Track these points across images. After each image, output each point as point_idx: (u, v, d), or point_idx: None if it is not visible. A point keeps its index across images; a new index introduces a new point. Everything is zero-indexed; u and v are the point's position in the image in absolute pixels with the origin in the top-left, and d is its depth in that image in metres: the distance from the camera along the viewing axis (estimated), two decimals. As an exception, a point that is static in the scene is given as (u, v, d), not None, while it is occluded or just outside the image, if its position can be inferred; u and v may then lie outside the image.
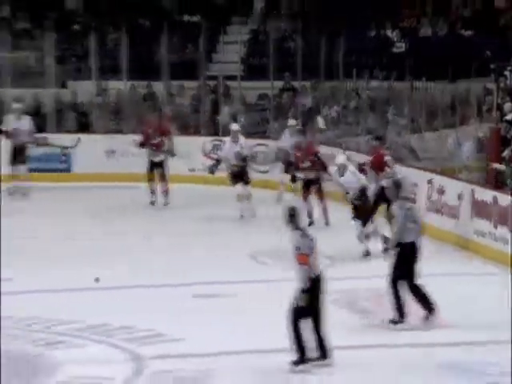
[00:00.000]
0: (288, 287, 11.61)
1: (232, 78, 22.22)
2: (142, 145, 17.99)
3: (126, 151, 19.65)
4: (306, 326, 9.10)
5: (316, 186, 15.95)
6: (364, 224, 13.97)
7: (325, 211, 15.84)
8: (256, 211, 16.52)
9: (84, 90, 22.26)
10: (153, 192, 17.77)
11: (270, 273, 13.27)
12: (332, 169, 14.66)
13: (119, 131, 21.11)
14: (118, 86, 22.10)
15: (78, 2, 24.37)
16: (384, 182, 13.79)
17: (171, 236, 15.36)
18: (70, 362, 9.49)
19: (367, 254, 13.93)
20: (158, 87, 22.32)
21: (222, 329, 10.47)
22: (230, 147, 16.66)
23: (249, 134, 20.06)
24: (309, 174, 16.01)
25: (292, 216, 9.39)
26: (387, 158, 14.80)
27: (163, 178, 17.81)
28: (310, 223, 14.86)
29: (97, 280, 11.64)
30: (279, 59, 21.74)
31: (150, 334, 10.33)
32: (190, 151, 19.97)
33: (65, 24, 23.47)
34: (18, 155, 18.61)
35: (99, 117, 21.85)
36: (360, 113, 20.64)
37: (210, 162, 18.16)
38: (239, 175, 16.32)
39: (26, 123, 18.81)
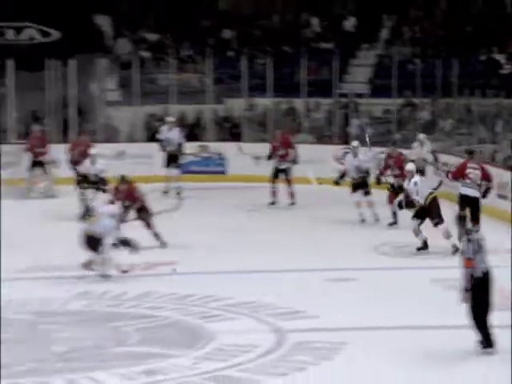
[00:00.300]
0: (411, 275, 11.78)
1: (360, 95, 22.26)
2: (269, 157, 17.97)
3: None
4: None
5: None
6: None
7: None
8: (379, 216, 15.80)
9: (236, 105, 22.53)
10: (274, 194, 17.65)
11: (391, 261, 13.24)
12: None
13: (264, 140, 21.32)
14: (264, 102, 22.30)
15: (233, 32, 24.64)
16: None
17: (302, 231, 15.34)
18: (224, 333, 9.68)
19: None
20: (298, 103, 22.43)
21: (352, 308, 10.52)
22: (351, 161, 16.28)
23: (374, 143, 20.20)
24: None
25: (461, 220, 9.34)
26: (468, 171, 14.15)
27: (289, 182, 17.68)
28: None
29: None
30: (401, 79, 21.66)
31: (290, 311, 10.43)
32: (324, 157, 20.03)
33: (221, 51, 23.79)
34: (172, 161, 18.84)
35: (248, 128, 22.08)
36: (471, 126, 20.48)
37: (340, 167, 18.05)
38: (360, 186, 15.81)
39: (175, 134, 18.92)
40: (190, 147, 20.46)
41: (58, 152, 18.66)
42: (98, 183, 16.13)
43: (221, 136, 22.15)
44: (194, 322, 10.08)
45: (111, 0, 25.15)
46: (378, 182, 16.03)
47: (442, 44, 23.59)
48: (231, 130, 22.18)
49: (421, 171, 15.54)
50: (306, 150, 18.71)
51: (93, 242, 11.78)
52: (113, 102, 22.49)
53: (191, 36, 24.54)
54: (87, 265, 11.87)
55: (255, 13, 25.57)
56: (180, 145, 18.91)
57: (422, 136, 18.18)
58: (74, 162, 17.30)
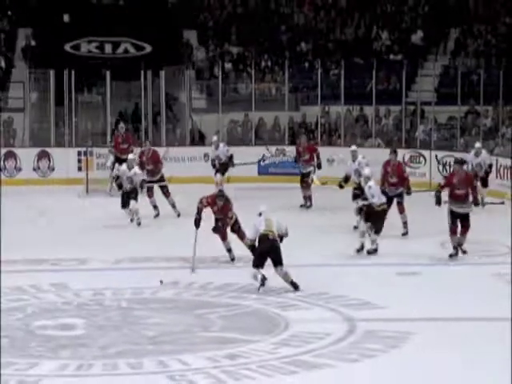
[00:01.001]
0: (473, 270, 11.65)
1: (427, 103, 22.01)
2: (296, 161, 17.72)
3: (343, 160, 19.58)
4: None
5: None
6: None
7: None
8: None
9: (312, 112, 22.50)
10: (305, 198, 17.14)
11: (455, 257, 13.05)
12: None
13: (338, 144, 21.35)
14: (337, 110, 22.24)
15: (308, 45, 24.64)
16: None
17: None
18: (299, 321, 9.71)
19: None
20: (369, 110, 22.33)
21: (418, 300, 10.44)
22: (351, 165, 15.39)
23: (439, 147, 20.14)
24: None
25: None
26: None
27: (308, 185, 17.14)
28: None
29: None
30: (465, 88, 21.45)
31: (360, 302, 10.40)
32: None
33: (298, 62, 23.83)
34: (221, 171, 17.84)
35: (322, 133, 22.05)
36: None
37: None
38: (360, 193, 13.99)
39: (223, 151, 18.18)
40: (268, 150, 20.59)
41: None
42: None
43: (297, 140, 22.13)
44: (273, 311, 10.11)
45: (198, 16, 25.44)
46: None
47: (504, 56, 23.25)
48: (307, 135, 22.16)
49: None
50: (375, 154, 18.52)
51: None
52: (199, 109, 22.66)
53: (270, 49, 24.60)
54: None
55: (329, 27, 25.55)
56: (231, 157, 18.19)
57: (477, 144, 17.60)
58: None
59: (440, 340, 8.94)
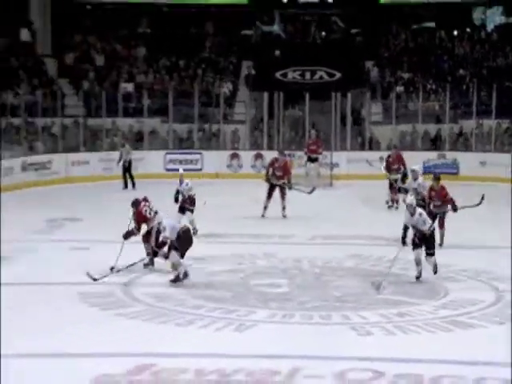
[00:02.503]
0: None
1: None
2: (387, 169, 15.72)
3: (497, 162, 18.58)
4: None
5: None
6: None
7: None
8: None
9: (468, 125, 21.53)
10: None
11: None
12: None
13: (489, 150, 20.47)
14: (489, 123, 21.15)
15: (465, 71, 23.71)
16: None
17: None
18: (456, 290, 9.42)
19: None
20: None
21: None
22: (411, 183, 12.98)
23: None
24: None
25: None
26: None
27: (394, 191, 15.27)
28: None
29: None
30: None
31: (503, 277, 9.86)
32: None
33: (456, 85, 22.91)
34: None
35: (476, 141, 21.11)
36: None
37: None
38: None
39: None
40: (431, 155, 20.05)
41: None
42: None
43: (455, 147, 21.40)
44: (434, 281, 9.84)
45: (377, 50, 25.16)
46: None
47: None
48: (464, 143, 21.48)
49: None
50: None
51: None
52: (376, 122, 22.37)
53: (435, 75, 23.86)
54: None
55: (483, 57, 24.50)
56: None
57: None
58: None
59: None
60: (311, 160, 18.73)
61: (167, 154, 20.47)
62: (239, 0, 26.23)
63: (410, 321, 8.26)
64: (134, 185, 17.90)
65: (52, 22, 24.99)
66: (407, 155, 18.40)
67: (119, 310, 8.53)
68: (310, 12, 26.52)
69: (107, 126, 20.76)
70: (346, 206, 16.04)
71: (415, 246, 9.83)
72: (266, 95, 21.16)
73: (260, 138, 21.72)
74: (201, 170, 20.33)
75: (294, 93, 21.73)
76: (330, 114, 20.50)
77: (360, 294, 9.27)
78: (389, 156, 16.12)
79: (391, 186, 15.56)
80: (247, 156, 20.77)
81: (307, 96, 20.86)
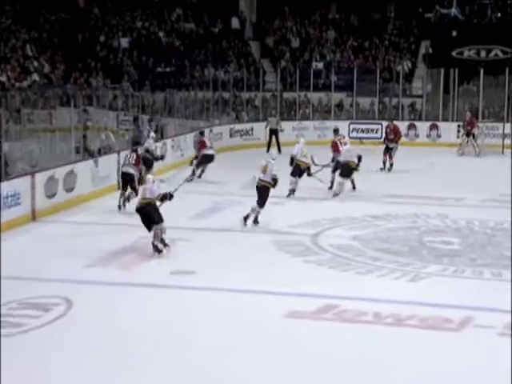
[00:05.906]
0: None
1: None
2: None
3: None
4: None
5: None
6: None
7: None
8: None
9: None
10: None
11: None
12: None
13: None
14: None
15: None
16: None
17: None
18: None
19: None
20: None
21: None
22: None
23: None
24: None
25: None
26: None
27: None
28: None
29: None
30: None
31: None
32: None
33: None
34: None
35: None
36: None
37: None
38: None
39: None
40: None
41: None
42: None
43: None
44: None
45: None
46: None
47: None
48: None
49: None
50: None
51: None
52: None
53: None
54: None
55: None
56: None
57: None
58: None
59: None
60: (468, 135, 18.17)
61: (351, 123, 20.28)
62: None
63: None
64: (279, 150, 16.89)
65: (257, 11, 25.57)
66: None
67: (309, 257, 8.53)
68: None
69: (300, 99, 21.06)
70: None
71: None
72: (442, 71, 20.24)
73: (435, 110, 20.73)
74: (380, 138, 19.89)
75: (469, 69, 20.46)
76: (503, 88, 19.13)
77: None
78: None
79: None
80: (423, 127, 19.96)
81: (481, 72, 19.48)
